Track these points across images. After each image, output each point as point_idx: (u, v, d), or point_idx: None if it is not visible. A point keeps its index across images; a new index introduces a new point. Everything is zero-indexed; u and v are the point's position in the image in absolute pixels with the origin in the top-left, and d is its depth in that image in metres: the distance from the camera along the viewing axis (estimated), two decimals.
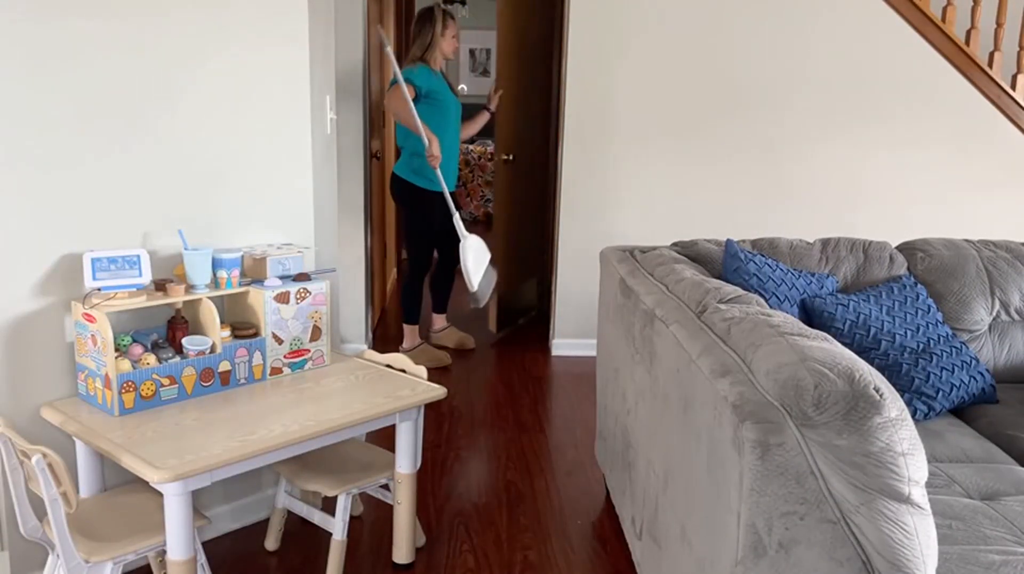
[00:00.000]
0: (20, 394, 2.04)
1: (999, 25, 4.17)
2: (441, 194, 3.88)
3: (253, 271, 2.32)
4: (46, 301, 2.05)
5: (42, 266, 2.04)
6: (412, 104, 3.73)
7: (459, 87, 3.84)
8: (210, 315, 2.17)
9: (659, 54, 4.10)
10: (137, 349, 2.05)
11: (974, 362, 2.35)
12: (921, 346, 2.34)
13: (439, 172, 3.83)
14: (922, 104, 4.21)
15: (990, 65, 4.17)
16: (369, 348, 3.81)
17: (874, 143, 4.25)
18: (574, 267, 4.31)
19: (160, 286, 2.13)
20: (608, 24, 4.06)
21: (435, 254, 4.18)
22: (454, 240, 3.98)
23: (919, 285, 2.52)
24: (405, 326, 4.17)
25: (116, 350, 2.01)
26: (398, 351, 3.85)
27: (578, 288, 4.33)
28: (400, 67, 3.79)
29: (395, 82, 3.76)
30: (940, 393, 2.27)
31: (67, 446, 2.08)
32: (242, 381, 2.24)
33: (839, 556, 1.29)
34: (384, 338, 4.54)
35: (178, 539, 1.80)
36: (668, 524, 1.78)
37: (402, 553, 2.34)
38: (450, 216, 3.91)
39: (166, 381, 2.07)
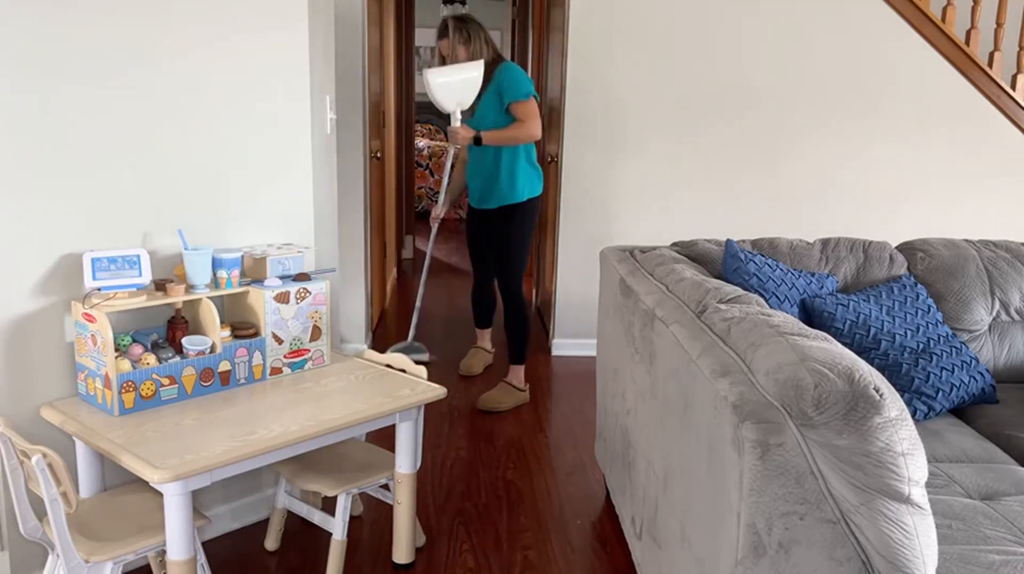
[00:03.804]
0: (20, 394, 2.04)
1: (999, 25, 4.17)
2: (471, 208, 3.72)
3: (253, 271, 2.32)
4: (46, 301, 2.05)
5: (42, 266, 2.04)
6: (448, 162, 3.78)
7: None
8: (210, 315, 2.17)
9: (658, 54, 4.10)
10: (137, 349, 2.05)
11: (974, 362, 2.35)
12: (921, 346, 2.34)
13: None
14: (921, 104, 4.21)
15: (990, 65, 4.17)
16: (369, 348, 3.81)
17: (874, 143, 4.25)
18: (574, 267, 4.31)
19: (160, 286, 2.13)
20: (608, 24, 4.06)
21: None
22: (487, 263, 3.81)
23: (919, 285, 2.52)
24: (512, 366, 3.67)
25: (116, 350, 2.01)
26: (505, 383, 3.65)
27: (578, 288, 4.33)
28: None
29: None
30: (940, 393, 2.27)
31: (67, 446, 2.08)
32: (242, 381, 2.24)
33: (839, 556, 1.29)
34: (384, 338, 4.54)
35: (178, 539, 1.80)
36: (668, 524, 1.78)
37: (402, 553, 2.34)
38: (484, 235, 3.69)
39: (166, 381, 2.07)
